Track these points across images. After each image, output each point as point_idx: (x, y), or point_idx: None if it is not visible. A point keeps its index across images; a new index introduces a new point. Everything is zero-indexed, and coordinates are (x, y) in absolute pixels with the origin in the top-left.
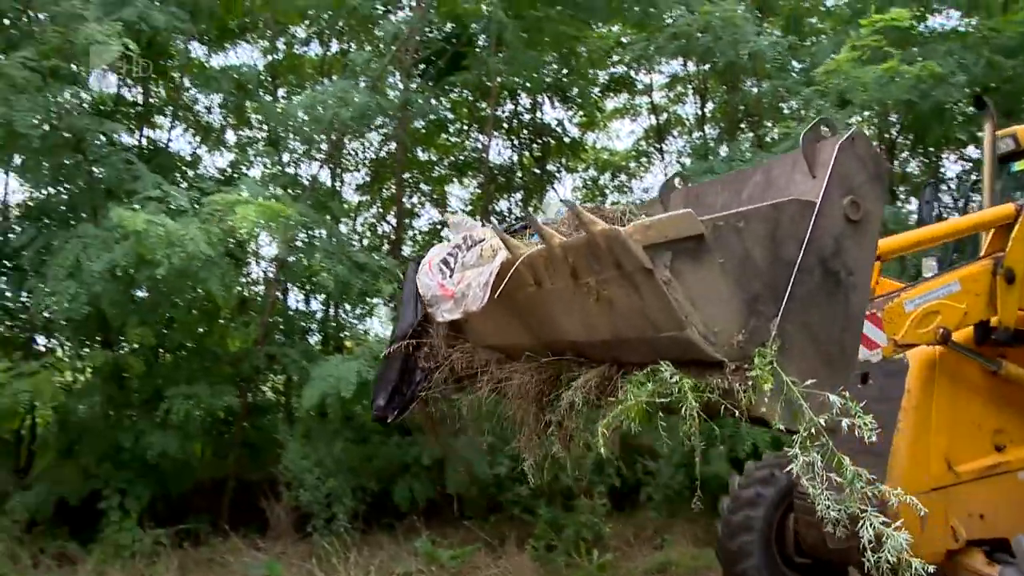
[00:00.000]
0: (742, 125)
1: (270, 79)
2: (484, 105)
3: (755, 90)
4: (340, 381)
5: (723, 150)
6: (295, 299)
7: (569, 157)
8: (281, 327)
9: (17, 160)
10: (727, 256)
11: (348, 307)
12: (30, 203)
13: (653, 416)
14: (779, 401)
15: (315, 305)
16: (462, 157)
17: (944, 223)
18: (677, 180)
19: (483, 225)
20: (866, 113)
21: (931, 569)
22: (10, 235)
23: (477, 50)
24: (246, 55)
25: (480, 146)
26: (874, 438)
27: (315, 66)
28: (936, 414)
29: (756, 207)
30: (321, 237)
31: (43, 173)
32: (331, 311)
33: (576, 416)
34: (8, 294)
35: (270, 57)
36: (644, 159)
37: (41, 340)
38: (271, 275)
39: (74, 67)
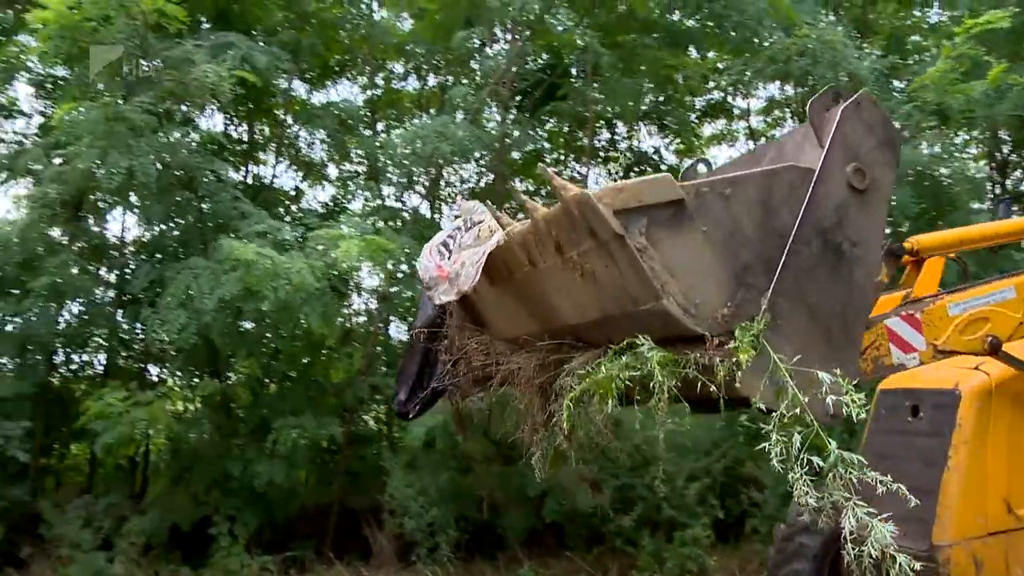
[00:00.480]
0: None
1: (369, 114)
2: (581, 134)
3: None
4: (444, 411)
5: None
6: (397, 330)
7: None
8: (383, 358)
9: (133, 199)
10: (711, 224)
11: None
12: (144, 240)
13: (625, 393)
14: (762, 378)
15: None
16: None
17: (992, 223)
18: (700, 165)
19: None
20: (974, 132)
21: (917, 566)
22: (126, 271)
23: (572, 80)
24: (346, 91)
25: (578, 175)
26: (863, 415)
27: (413, 100)
28: (992, 450)
29: (746, 173)
30: None
31: (157, 211)
32: None
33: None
34: (124, 326)
35: (369, 92)
36: None
37: (154, 370)
38: (373, 307)
39: (184, 108)
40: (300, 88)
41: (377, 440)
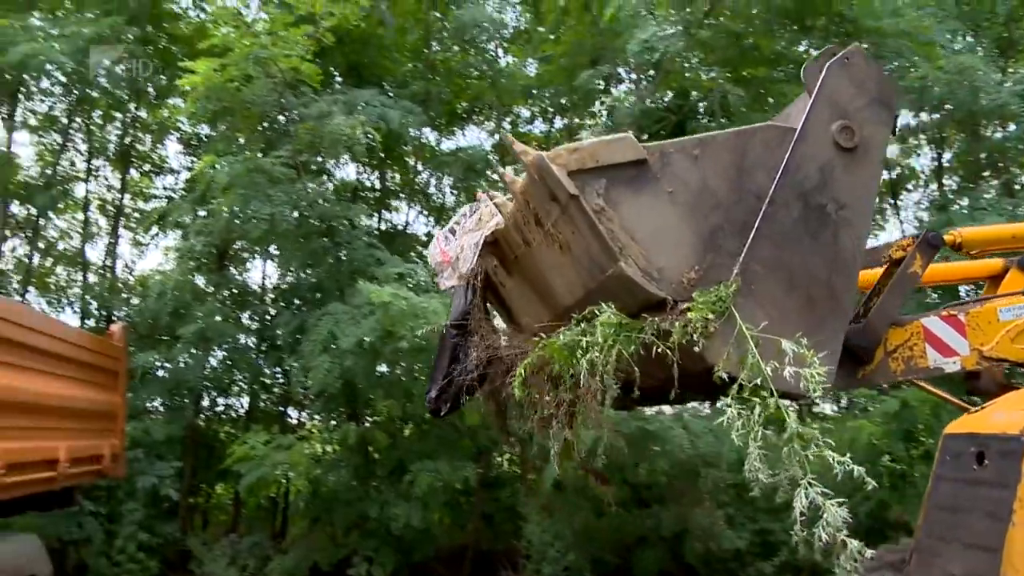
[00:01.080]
0: (985, 173)
1: (497, 158)
2: None
3: (999, 135)
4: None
5: (964, 201)
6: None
7: None
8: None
9: (273, 249)
10: (678, 185)
11: None
12: (283, 287)
13: (579, 358)
14: (727, 344)
15: None
16: None
17: None
18: None
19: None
20: None
21: (869, 553)
22: (267, 317)
23: (699, 117)
24: (473, 137)
25: None
26: (820, 392)
27: (540, 142)
28: None
29: (718, 133)
30: None
31: (296, 258)
32: None
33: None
34: (265, 370)
35: (496, 137)
36: (877, 216)
37: (293, 413)
38: None
39: (319, 159)
40: (429, 135)
41: (511, 483)
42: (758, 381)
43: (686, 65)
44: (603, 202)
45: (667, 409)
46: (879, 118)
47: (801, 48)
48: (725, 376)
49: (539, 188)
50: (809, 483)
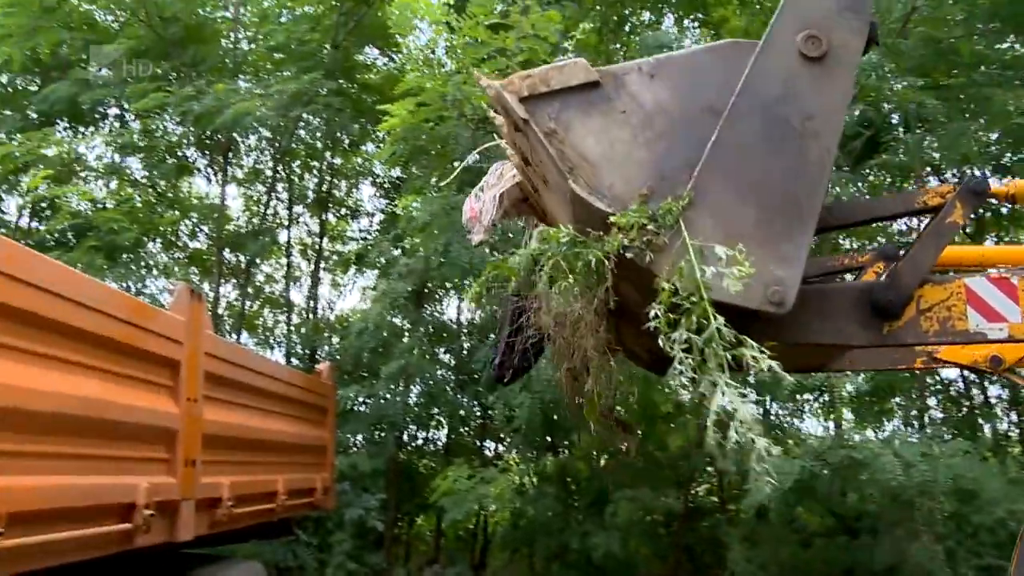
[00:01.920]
0: None
1: None
2: (907, 186)
3: None
4: (781, 480)
5: None
6: (727, 400)
7: (1009, 230)
8: (715, 429)
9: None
10: (632, 105)
11: (779, 405)
12: (478, 322)
13: (533, 275)
14: (673, 256)
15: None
16: (881, 240)
17: None
18: None
19: None
20: None
21: (775, 450)
22: (462, 353)
23: (894, 128)
24: None
25: (904, 228)
26: (739, 288)
27: None
28: None
29: (675, 53)
30: None
31: (483, 296)
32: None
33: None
34: (464, 404)
35: None
36: None
37: (490, 445)
38: None
39: None
40: None
41: (712, 512)
42: (692, 288)
43: (873, 76)
44: (554, 124)
45: (870, 434)
46: (849, 25)
47: (1005, 45)
48: (666, 286)
49: (508, 121)
50: (727, 383)
